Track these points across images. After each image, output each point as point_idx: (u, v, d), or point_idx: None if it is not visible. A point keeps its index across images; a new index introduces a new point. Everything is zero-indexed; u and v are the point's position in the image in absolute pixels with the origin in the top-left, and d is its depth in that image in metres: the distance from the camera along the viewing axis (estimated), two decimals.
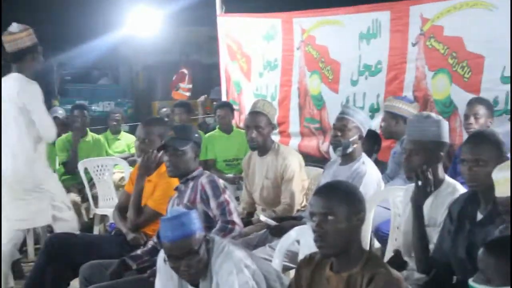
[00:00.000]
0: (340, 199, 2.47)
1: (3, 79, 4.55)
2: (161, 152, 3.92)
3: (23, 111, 4.47)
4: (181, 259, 2.79)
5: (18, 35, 4.49)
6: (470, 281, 2.11)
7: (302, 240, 3.41)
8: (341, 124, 4.07)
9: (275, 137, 6.61)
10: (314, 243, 2.52)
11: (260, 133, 4.48)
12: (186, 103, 7.71)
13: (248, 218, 4.52)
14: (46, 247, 4.04)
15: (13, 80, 4.49)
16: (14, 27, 4.52)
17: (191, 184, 3.76)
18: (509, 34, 4.55)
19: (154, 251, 3.73)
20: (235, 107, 7.29)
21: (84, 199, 6.55)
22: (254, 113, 4.53)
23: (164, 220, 2.84)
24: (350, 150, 4.06)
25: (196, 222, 2.85)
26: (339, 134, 4.07)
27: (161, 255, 3.05)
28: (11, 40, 4.45)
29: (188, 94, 13.28)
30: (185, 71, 11.67)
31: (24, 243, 6.06)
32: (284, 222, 4.12)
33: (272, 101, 6.52)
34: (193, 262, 2.79)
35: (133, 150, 7.34)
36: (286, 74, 6.68)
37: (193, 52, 17.87)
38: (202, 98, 9.68)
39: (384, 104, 5.20)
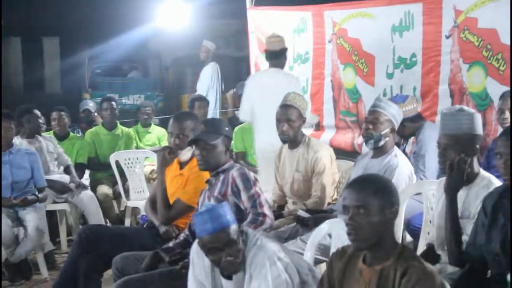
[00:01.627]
0: (374, 192, 2.46)
1: (260, 72, 5.91)
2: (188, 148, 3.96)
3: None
4: (222, 250, 2.81)
5: (279, 38, 5.70)
6: (509, 277, 2.08)
7: (334, 233, 3.41)
8: (373, 117, 4.06)
9: (308, 131, 6.63)
10: (346, 236, 2.52)
11: (291, 126, 4.48)
12: (204, 96, 7.74)
13: (278, 211, 4.53)
14: (79, 239, 4.09)
15: (275, 73, 5.64)
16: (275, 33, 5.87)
17: (222, 177, 3.78)
18: None
19: (186, 244, 3.77)
20: None
21: (116, 191, 6.62)
22: (285, 106, 4.53)
23: (200, 213, 2.86)
24: (382, 143, 4.04)
25: (230, 213, 2.88)
26: (370, 127, 4.06)
27: (194, 248, 3.08)
28: (276, 41, 5.64)
29: None
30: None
31: (57, 234, 6.17)
32: (316, 215, 4.12)
33: (303, 94, 6.50)
34: (233, 252, 2.81)
35: (163, 143, 7.39)
36: (318, 67, 6.67)
37: (222, 46, 17.91)
38: (231, 91, 9.70)
39: None
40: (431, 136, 4.68)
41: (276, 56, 5.62)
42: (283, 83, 5.38)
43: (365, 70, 6.01)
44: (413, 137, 4.99)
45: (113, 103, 7.08)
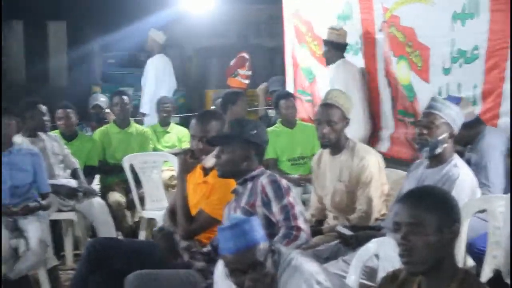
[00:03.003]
0: (431, 208, 2.44)
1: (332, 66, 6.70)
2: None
3: None
4: (246, 273, 2.80)
5: (342, 31, 6.69)
6: None
7: (383, 254, 3.39)
8: (428, 120, 4.02)
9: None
10: (397, 258, 2.49)
11: (332, 128, 4.46)
12: (241, 91, 7.77)
13: (317, 227, 4.51)
14: (88, 254, 4.12)
15: (344, 63, 6.68)
16: (337, 25, 6.85)
17: (249, 185, 3.78)
18: None
19: (207, 256, 3.79)
20: (305, 97, 7.29)
21: (129, 200, 6.65)
22: (326, 106, 4.51)
23: (222, 229, 2.85)
24: (439, 150, 4.01)
25: (259, 230, 2.85)
26: (425, 132, 4.03)
27: (219, 267, 3.07)
28: (340, 34, 6.66)
29: (247, 82, 13.32)
30: (246, 55, 11.72)
31: (61, 248, 6.22)
32: (360, 233, 4.10)
33: None
34: (259, 276, 2.79)
35: (184, 145, 7.42)
36: (370, 60, 6.63)
37: (252, 34, 17.95)
38: (262, 86, 9.69)
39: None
40: (493, 144, 4.62)
41: (345, 49, 6.71)
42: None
43: (420, 64, 5.95)
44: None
45: (125, 97, 7.11)
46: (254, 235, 2.82)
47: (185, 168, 4.23)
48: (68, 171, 6.35)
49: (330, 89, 4.83)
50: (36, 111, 6.18)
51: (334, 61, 6.70)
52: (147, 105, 9.05)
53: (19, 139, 5.92)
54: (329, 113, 4.47)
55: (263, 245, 2.83)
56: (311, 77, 7.50)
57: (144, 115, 8.98)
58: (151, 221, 6.40)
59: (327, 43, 6.73)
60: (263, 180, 3.72)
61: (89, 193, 6.16)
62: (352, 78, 6.63)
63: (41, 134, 6.20)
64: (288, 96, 6.81)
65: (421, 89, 5.97)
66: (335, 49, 6.69)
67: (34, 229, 5.18)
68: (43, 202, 5.48)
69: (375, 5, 6.41)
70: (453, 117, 4.04)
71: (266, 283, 2.82)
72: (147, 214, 6.37)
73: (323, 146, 4.60)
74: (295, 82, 7.73)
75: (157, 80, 9.24)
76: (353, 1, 6.70)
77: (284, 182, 3.75)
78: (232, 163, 3.78)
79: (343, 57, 6.72)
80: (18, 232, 5.30)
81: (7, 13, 20.34)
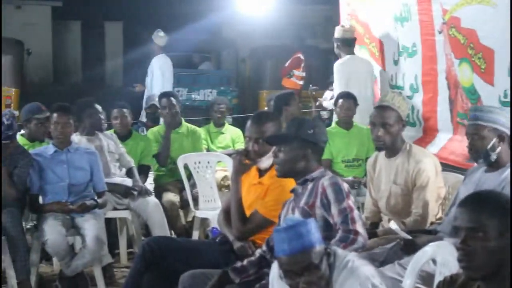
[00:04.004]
0: (492, 212, 2.40)
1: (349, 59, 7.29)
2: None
3: None
4: (300, 275, 2.79)
5: (349, 28, 7.44)
6: None
7: (440, 258, 3.34)
8: (472, 132, 3.96)
9: (418, 135, 6.52)
10: (454, 263, 2.46)
11: (388, 131, 4.42)
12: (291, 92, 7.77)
13: (372, 230, 4.48)
14: (143, 252, 4.15)
15: (350, 59, 7.33)
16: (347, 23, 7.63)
17: (310, 186, 3.77)
18: None
19: (262, 263, 3.78)
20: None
21: (183, 199, 6.69)
22: (382, 108, 4.48)
23: (278, 230, 2.85)
24: (493, 157, 3.93)
25: (315, 232, 2.84)
26: (473, 143, 3.96)
27: (274, 269, 3.08)
28: (347, 30, 7.39)
29: (301, 83, 13.31)
30: (301, 56, 11.71)
31: (115, 246, 6.30)
32: (416, 237, 4.05)
33: (413, 93, 6.43)
34: (313, 278, 2.79)
35: (238, 146, 7.45)
36: (428, 62, 6.56)
37: (307, 36, 17.93)
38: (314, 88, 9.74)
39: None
40: None
41: (353, 44, 7.32)
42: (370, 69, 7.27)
43: (483, 66, 5.85)
44: None
45: (173, 98, 7.13)
46: (310, 238, 2.81)
47: (240, 169, 4.24)
48: (124, 170, 6.43)
49: (387, 91, 4.80)
50: (92, 110, 6.27)
51: (341, 57, 7.33)
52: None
53: (76, 138, 6.03)
54: (384, 116, 4.43)
55: (318, 247, 2.82)
56: (372, 78, 7.46)
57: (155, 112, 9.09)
58: (204, 221, 6.43)
59: (336, 40, 7.40)
60: (325, 182, 3.71)
61: (144, 192, 6.21)
62: (355, 74, 7.24)
63: (97, 133, 6.29)
64: (348, 96, 6.75)
65: (484, 91, 5.87)
66: (343, 44, 7.32)
67: (91, 227, 5.25)
68: (99, 200, 5.57)
69: (434, 6, 6.33)
70: (498, 119, 3.93)
71: (320, 286, 2.81)
72: (200, 214, 6.38)
73: (378, 148, 4.57)
74: None
75: (163, 78, 9.82)
76: (411, 2, 6.63)
77: (345, 185, 3.73)
78: (289, 163, 3.77)
79: (352, 52, 7.33)
80: (74, 229, 5.39)
81: (65, 14, 20.76)
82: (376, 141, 4.49)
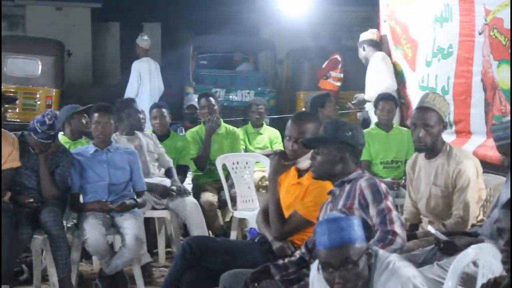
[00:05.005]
0: None
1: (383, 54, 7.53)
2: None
3: None
4: (337, 269, 2.79)
5: (375, 31, 7.73)
6: None
7: (482, 261, 3.31)
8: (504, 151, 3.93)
9: (450, 137, 6.45)
10: (498, 265, 2.44)
11: (428, 132, 4.40)
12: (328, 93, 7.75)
13: (411, 231, 4.45)
14: (183, 252, 4.17)
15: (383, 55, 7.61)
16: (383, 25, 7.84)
17: (347, 187, 3.76)
18: None
19: (301, 263, 3.78)
20: (400, 100, 7.23)
21: (220, 200, 6.72)
22: (423, 109, 4.45)
23: (320, 223, 2.88)
24: None
25: (357, 230, 2.85)
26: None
27: (314, 269, 3.07)
28: (374, 33, 7.68)
29: (338, 84, 13.30)
30: (339, 57, 11.70)
31: (153, 245, 6.34)
32: (456, 238, 4.02)
33: (444, 94, 6.34)
34: (349, 275, 2.78)
35: (276, 147, 7.46)
36: (463, 63, 6.47)
37: (344, 37, 17.86)
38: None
39: None
40: None
41: (379, 46, 7.64)
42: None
43: None
44: None
45: (211, 99, 7.16)
46: (350, 233, 2.81)
47: (277, 169, 4.25)
48: (163, 170, 6.46)
49: (427, 91, 4.76)
50: (132, 110, 6.32)
51: (370, 55, 7.59)
52: None
53: (116, 138, 6.08)
54: (425, 117, 4.40)
55: (359, 245, 2.82)
56: (403, 79, 7.42)
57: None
58: (242, 221, 6.44)
59: (362, 43, 7.70)
60: (362, 183, 3.69)
61: (182, 192, 6.24)
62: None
63: (137, 132, 6.33)
64: (389, 98, 6.71)
65: None
66: (371, 45, 7.63)
67: (130, 226, 5.29)
68: (139, 200, 5.61)
69: (477, 6, 6.24)
70: None
71: (356, 284, 2.80)
72: (238, 214, 6.39)
73: (419, 150, 4.53)
74: None
75: (141, 82, 9.98)
76: (453, 3, 6.55)
77: (383, 186, 3.71)
78: (327, 165, 3.76)
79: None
80: (114, 228, 5.44)
81: (105, 16, 20.97)
82: (417, 143, 4.46)
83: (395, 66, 7.55)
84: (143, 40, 10.30)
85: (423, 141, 4.41)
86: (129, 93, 9.89)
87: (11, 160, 5.22)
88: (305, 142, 3.90)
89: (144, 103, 8.83)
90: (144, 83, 10.03)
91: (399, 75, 7.51)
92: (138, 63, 10.19)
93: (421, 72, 7.03)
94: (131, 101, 6.62)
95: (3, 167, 5.18)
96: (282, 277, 3.74)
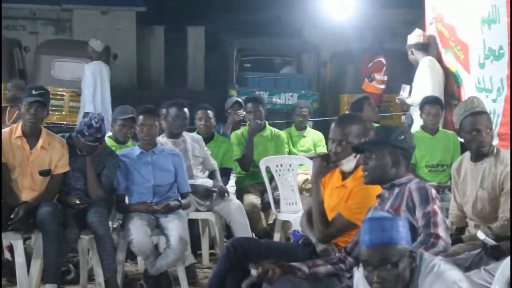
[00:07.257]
0: None
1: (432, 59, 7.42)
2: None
3: None
4: (376, 268, 2.78)
5: (422, 32, 7.60)
6: None
7: None
8: None
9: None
10: None
11: (489, 134, 4.42)
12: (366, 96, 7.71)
13: (457, 235, 4.42)
14: (228, 253, 4.17)
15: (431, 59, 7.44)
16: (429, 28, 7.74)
17: (396, 190, 3.75)
18: None
19: (337, 262, 3.80)
20: (453, 102, 7.16)
21: (264, 202, 6.72)
22: (477, 114, 4.44)
23: (364, 221, 2.89)
24: None
25: (402, 231, 2.84)
26: None
27: (359, 272, 3.07)
28: (421, 35, 7.56)
29: (382, 87, 13.23)
30: (383, 60, 11.63)
31: (197, 247, 6.37)
32: (503, 242, 3.97)
33: (498, 96, 6.29)
34: (388, 275, 2.77)
35: (319, 149, 7.45)
36: None
37: (387, 39, 17.74)
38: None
39: None
40: None
41: (427, 49, 7.48)
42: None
43: None
44: None
45: (259, 104, 7.15)
46: (391, 234, 2.81)
47: (321, 171, 4.24)
48: (207, 172, 6.48)
49: (469, 97, 4.72)
50: (178, 113, 6.33)
51: (420, 59, 7.43)
52: (90, 105, 9.83)
53: (162, 140, 6.12)
54: (483, 120, 4.41)
55: (401, 246, 2.81)
56: (458, 81, 7.34)
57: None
58: (285, 224, 6.44)
59: (410, 47, 7.56)
60: (412, 186, 3.70)
61: (223, 193, 6.24)
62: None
63: (183, 135, 6.36)
64: (435, 102, 6.65)
65: None
66: (419, 49, 7.48)
67: (175, 227, 5.32)
68: (183, 201, 5.65)
69: None
70: None
71: (395, 286, 2.79)
72: (281, 216, 6.38)
73: (483, 154, 4.47)
74: (447, 87, 7.56)
75: (95, 84, 10.00)
76: (501, 3, 6.47)
77: (433, 191, 3.70)
78: (381, 169, 3.75)
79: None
80: (159, 229, 5.47)
81: (149, 19, 21.19)
82: (481, 148, 4.42)
83: (448, 69, 7.48)
84: (96, 43, 10.27)
85: (488, 144, 4.40)
86: (87, 94, 9.96)
87: (62, 165, 5.32)
88: (358, 147, 3.89)
89: (97, 106, 9.49)
90: (97, 86, 10.03)
91: (453, 77, 7.43)
92: (91, 66, 10.19)
93: (476, 74, 6.93)
94: (177, 103, 6.60)
95: (54, 172, 5.29)
96: (309, 268, 3.72)
